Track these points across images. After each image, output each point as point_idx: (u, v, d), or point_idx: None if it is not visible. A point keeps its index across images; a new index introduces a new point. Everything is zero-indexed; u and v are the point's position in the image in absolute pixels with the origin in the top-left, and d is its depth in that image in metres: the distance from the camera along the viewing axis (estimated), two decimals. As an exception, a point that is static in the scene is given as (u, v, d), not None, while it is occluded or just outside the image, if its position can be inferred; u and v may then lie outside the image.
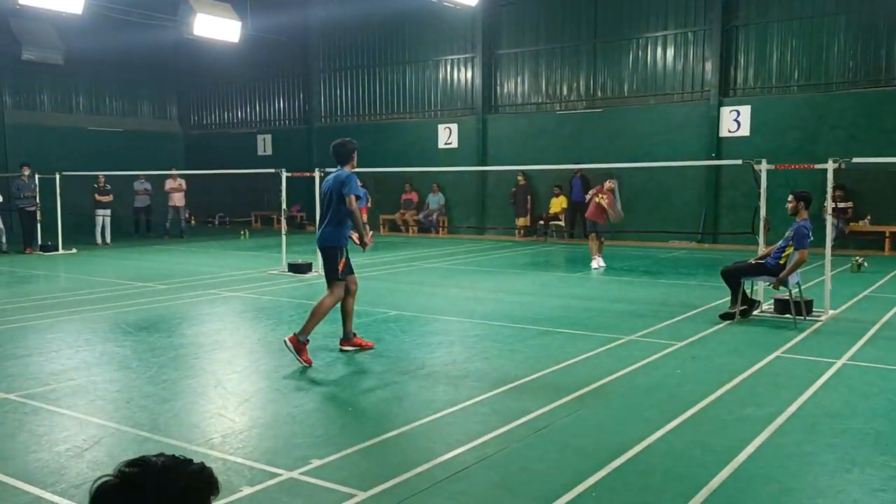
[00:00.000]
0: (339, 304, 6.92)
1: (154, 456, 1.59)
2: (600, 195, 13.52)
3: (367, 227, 7.13)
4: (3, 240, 16.56)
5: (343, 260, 6.81)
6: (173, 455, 1.61)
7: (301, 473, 4.07)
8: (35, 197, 16.76)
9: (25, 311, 9.24)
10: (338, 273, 6.77)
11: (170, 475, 1.55)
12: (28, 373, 6.28)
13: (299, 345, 6.52)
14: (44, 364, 6.59)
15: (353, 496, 3.77)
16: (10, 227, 17.23)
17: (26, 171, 16.73)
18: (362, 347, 7.06)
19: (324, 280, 7.02)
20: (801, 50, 17.34)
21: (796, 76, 17.52)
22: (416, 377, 6.15)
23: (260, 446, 4.62)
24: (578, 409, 5.20)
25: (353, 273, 7.06)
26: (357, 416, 5.08)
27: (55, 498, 3.78)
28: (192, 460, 1.61)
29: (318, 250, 7.13)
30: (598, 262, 13.50)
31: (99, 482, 1.53)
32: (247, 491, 3.84)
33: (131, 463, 1.56)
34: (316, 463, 4.21)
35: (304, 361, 6.45)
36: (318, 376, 6.14)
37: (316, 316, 6.69)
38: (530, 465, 4.20)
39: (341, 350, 6.99)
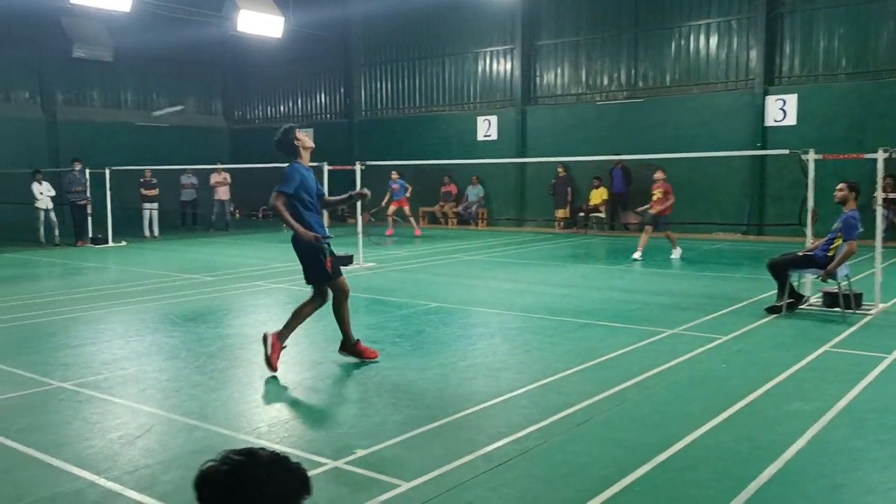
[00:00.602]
0: (318, 312, 6.27)
1: (258, 449, 1.63)
2: (658, 189, 13.39)
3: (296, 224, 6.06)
4: (56, 233, 17.07)
5: (328, 258, 6.13)
6: (274, 451, 1.65)
7: (345, 463, 4.14)
8: (86, 191, 17.23)
9: (78, 302, 9.53)
10: (326, 270, 6.10)
11: (273, 469, 1.58)
12: (81, 362, 6.49)
13: (358, 344, 6.28)
14: (96, 354, 6.80)
15: (396, 486, 3.82)
16: (62, 220, 17.75)
17: (77, 166, 17.21)
18: (366, 357, 6.34)
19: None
20: (849, 37, 16.85)
21: (843, 64, 17.03)
22: (457, 369, 6.18)
23: (305, 435, 4.71)
24: (620, 403, 5.17)
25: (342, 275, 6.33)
26: (399, 408, 5.14)
27: (109, 484, 3.91)
28: (289, 458, 1.64)
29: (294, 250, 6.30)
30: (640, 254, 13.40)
31: (206, 466, 1.58)
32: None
33: (239, 452, 1.60)
34: (360, 453, 4.27)
35: (370, 356, 6.27)
36: (360, 368, 6.21)
37: (296, 320, 6.17)
38: (572, 459, 4.20)
39: (341, 353, 6.39)
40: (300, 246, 6.15)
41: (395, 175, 19.24)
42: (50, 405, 5.30)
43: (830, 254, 8.12)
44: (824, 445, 4.36)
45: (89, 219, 17.24)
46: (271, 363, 5.97)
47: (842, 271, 8.06)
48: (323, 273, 6.14)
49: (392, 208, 19.14)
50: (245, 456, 1.61)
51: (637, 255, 13.35)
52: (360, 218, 13.32)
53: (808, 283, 8.88)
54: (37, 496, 3.78)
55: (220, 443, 4.41)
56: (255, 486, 1.57)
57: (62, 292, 10.36)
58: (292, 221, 6.00)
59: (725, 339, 7.11)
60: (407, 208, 19.32)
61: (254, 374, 6.13)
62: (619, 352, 6.62)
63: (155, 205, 19.35)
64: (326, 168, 13.29)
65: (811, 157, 8.81)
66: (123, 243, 17.03)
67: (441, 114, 23.16)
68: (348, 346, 6.36)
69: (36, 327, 8.02)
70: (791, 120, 17.34)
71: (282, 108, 27.63)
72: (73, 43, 22.77)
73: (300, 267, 6.28)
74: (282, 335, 6.12)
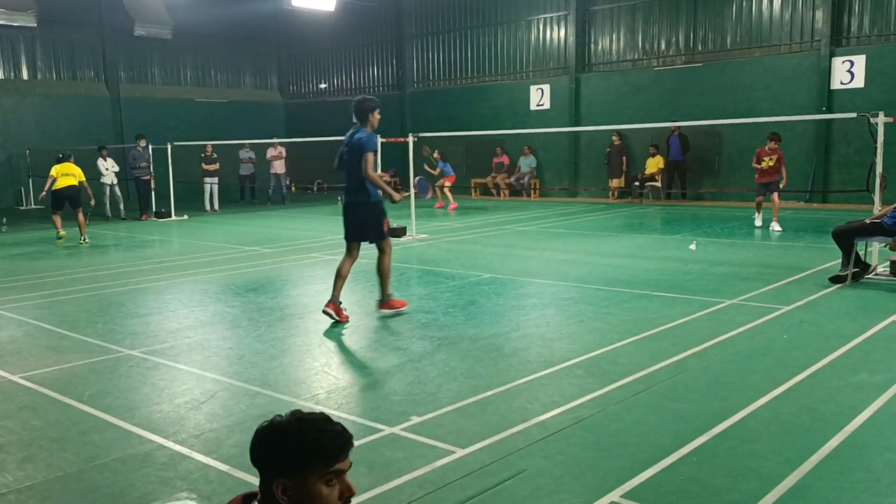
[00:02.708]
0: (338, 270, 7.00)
1: (307, 412, 1.83)
2: (769, 157, 12.97)
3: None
4: (122, 207, 17.67)
5: (386, 220, 7.07)
6: (323, 414, 1.83)
7: (402, 429, 4.22)
8: (150, 167, 17.74)
9: (144, 273, 9.88)
10: (383, 230, 7.00)
11: (308, 426, 1.77)
12: (149, 331, 6.74)
13: (392, 302, 7.11)
14: (162, 323, 7.05)
15: (452, 452, 3.88)
16: (127, 195, 18.34)
17: (142, 143, 17.70)
18: (397, 309, 7.15)
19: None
20: (927, -9, 15.96)
21: (920, 21, 16.16)
22: (511, 339, 6.20)
23: (362, 402, 4.81)
24: (678, 374, 5.12)
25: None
26: (454, 376, 5.19)
27: (176, 447, 4.08)
28: (335, 422, 1.82)
29: (347, 209, 7.05)
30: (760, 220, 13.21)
31: (260, 424, 1.82)
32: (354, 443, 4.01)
33: (290, 412, 1.82)
34: (415, 420, 4.35)
35: (400, 305, 7.14)
36: (414, 338, 6.29)
37: (383, 276, 7.05)
38: (628, 428, 4.18)
39: (380, 311, 7.14)
40: (367, 208, 6.89)
41: (437, 155, 19.27)
42: (120, 371, 5.54)
43: (901, 221, 7.79)
44: (892, 418, 4.24)
45: (153, 193, 17.76)
46: (401, 305, 7.18)
47: (912, 239, 7.74)
48: (382, 232, 6.97)
49: (447, 183, 19.15)
50: (289, 415, 1.80)
51: (775, 225, 12.99)
52: (412, 193, 13.38)
53: (874, 251, 8.57)
54: (110, 457, 3.97)
55: (282, 408, 4.54)
56: (287, 436, 1.76)
57: (129, 264, 10.74)
58: (387, 188, 6.85)
59: (787, 309, 6.93)
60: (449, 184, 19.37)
61: (312, 343, 6.27)
62: (677, 322, 6.53)
63: (215, 179, 19.78)
64: (379, 140, 13.34)
65: (881, 119, 8.43)
66: (185, 217, 17.52)
67: (493, 84, 22.94)
68: (384, 300, 7.14)
69: (105, 297, 8.35)
70: (859, 82, 16.59)
71: (335, 81, 27.78)
72: (134, 22, 23.31)
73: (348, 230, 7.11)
74: (385, 296, 7.14)
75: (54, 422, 4.54)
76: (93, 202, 14.45)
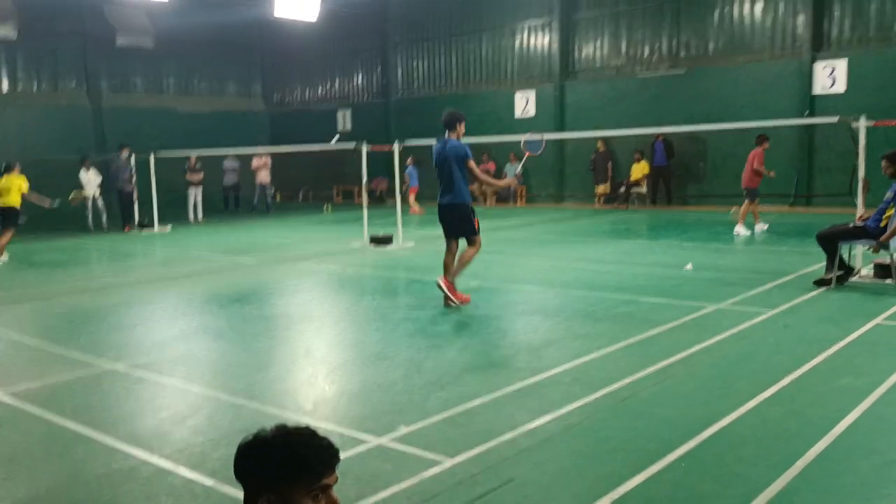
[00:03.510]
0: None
1: (292, 426, 1.79)
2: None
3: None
4: (104, 219, 17.51)
5: (476, 218, 7.74)
6: (309, 428, 1.79)
7: (390, 440, 4.19)
8: (132, 177, 17.59)
9: (127, 285, 9.79)
10: (475, 227, 7.67)
11: (293, 440, 1.74)
12: (132, 344, 6.67)
13: (455, 292, 7.53)
14: (146, 335, 6.98)
15: (440, 462, 3.85)
16: (109, 206, 18.17)
17: (125, 153, 17.55)
18: (462, 302, 7.57)
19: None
20: (905, -3, 16.17)
21: (898, 26, 16.37)
22: (499, 347, 6.19)
23: (349, 413, 4.78)
24: (665, 380, 5.12)
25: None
26: (441, 385, 5.17)
27: (161, 461, 4.03)
28: (321, 436, 1.79)
29: (445, 208, 7.72)
30: (761, 227, 13.24)
31: (244, 438, 1.78)
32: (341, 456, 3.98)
33: (275, 427, 1.78)
34: (403, 430, 4.32)
35: (462, 301, 7.53)
36: (401, 347, 6.26)
37: (463, 263, 7.67)
38: (616, 435, 4.18)
39: (438, 286, 7.58)
40: (462, 209, 7.66)
41: (409, 161, 19.26)
42: (103, 385, 5.47)
43: (883, 224, 7.86)
44: (877, 421, 4.26)
45: (136, 204, 17.62)
46: (463, 301, 7.55)
47: (895, 242, 7.81)
48: (474, 229, 7.70)
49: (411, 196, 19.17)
50: (274, 430, 1.76)
51: (760, 227, 13.12)
52: (398, 200, 13.38)
53: (858, 254, 8.64)
54: (93, 473, 3.91)
55: (268, 421, 4.48)
56: (274, 450, 1.72)
57: (112, 276, 10.64)
58: (493, 181, 8.69)
59: (772, 313, 6.97)
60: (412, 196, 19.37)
61: (298, 354, 6.23)
62: (663, 328, 6.55)
63: (199, 189, 19.65)
64: (365, 148, 13.34)
65: (862, 124, 8.52)
66: (169, 228, 17.39)
67: (478, 91, 23.00)
68: (448, 280, 7.59)
69: (87, 311, 8.26)
70: (840, 87, 16.77)
71: (319, 89, 27.74)
72: (116, 31, 23.18)
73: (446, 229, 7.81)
74: (452, 278, 7.60)
75: (36, 438, 4.47)
76: (51, 204, 13.40)
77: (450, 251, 7.74)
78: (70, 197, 12.23)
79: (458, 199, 7.63)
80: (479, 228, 7.75)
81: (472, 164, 7.60)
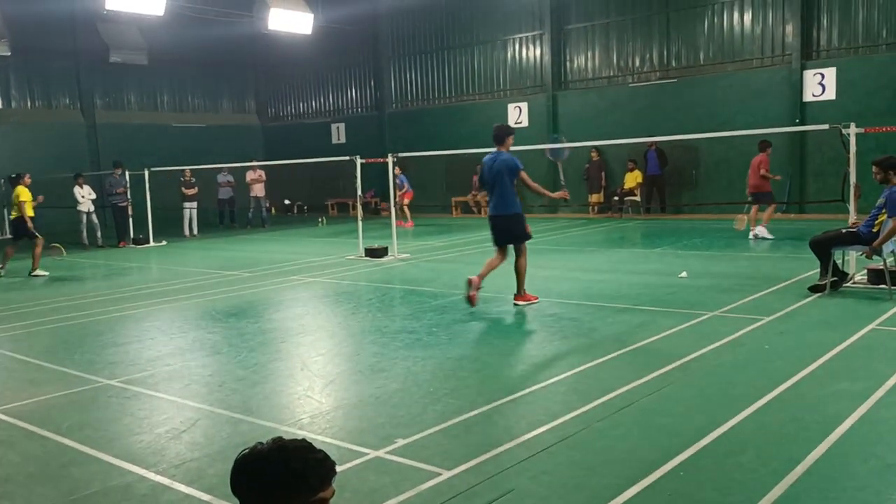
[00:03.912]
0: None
1: (288, 440, 1.78)
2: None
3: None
4: (98, 235, 17.47)
5: (527, 225, 8.20)
6: (306, 441, 1.79)
7: (387, 452, 4.17)
8: (126, 193, 17.58)
9: (122, 301, 9.75)
10: (527, 233, 8.14)
11: (290, 455, 1.73)
12: (128, 360, 6.64)
13: (527, 296, 8.13)
14: (141, 351, 6.95)
15: (438, 475, 3.84)
16: (104, 222, 18.16)
17: (118, 171, 17.58)
18: (529, 302, 8.19)
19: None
20: (890, 5, 16.32)
21: (884, 34, 16.52)
22: (495, 357, 6.18)
23: (346, 426, 4.76)
24: (662, 388, 5.12)
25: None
26: (438, 397, 5.16)
27: (157, 477, 4.00)
28: (318, 450, 1.79)
29: (496, 219, 8.17)
30: (764, 231, 13.24)
31: (240, 453, 1.77)
32: (337, 469, 3.96)
33: (271, 441, 1.78)
34: (401, 442, 4.30)
35: (532, 299, 8.14)
36: (397, 359, 6.25)
37: (519, 273, 8.09)
38: (613, 444, 4.17)
39: (515, 304, 8.14)
40: (514, 219, 8.08)
41: (397, 171, 19.33)
42: (99, 402, 5.44)
43: (875, 230, 7.90)
44: (874, 425, 4.26)
45: (130, 220, 17.60)
46: (534, 300, 8.18)
47: (887, 247, 7.84)
48: (525, 234, 8.14)
49: (405, 200, 19.24)
50: (270, 444, 1.75)
51: (759, 231, 13.17)
52: (393, 213, 13.40)
53: (852, 260, 8.67)
54: (89, 490, 3.89)
55: (264, 435, 4.46)
56: (272, 465, 1.71)
57: (107, 292, 10.61)
58: (546, 191, 8.57)
59: (768, 320, 6.98)
60: (406, 200, 19.40)
61: (294, 368, 6.21)
62: (659, 336, 6.55)
63: (194, 204, 19.65)
64: (359, 162, 13.36)
65: (852, 130, 8.57)
66: (164, 243, 17.36)
67: (471, 103, 23.09)
68: (519, 293, 8.16)
69: (83, 327, 8.23)
70: (830, 94, 16.90)
71: (313, 103, 27.81)
72: (109, 48, 23.24)
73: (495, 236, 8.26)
74: (520, 290, 8.18)
75: (32, 456, 4.44)
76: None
77: (500, 256, 8.22)
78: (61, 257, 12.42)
79: (508, 210, 8.07)
80: (531, 234, 8.26)
81: (524, 175, 8.04)
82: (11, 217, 12.67)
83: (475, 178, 22.31)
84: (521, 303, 8.16)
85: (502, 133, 8.13)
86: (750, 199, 13.46)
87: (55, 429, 4.83)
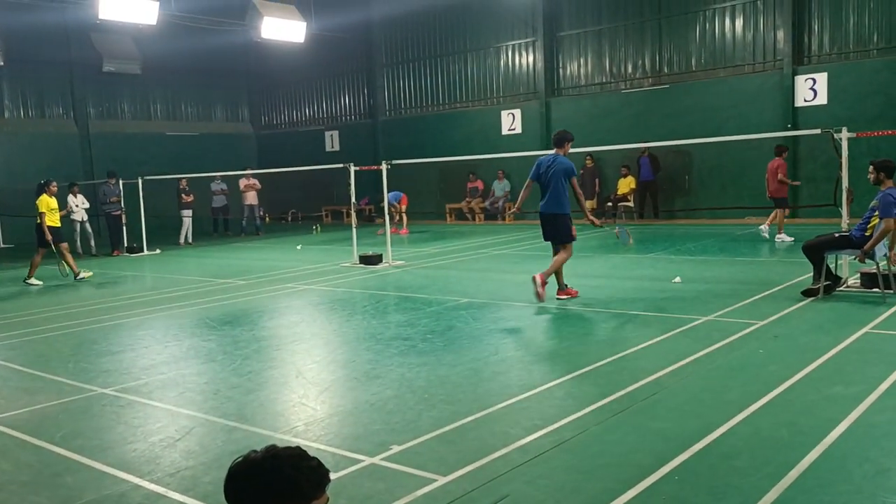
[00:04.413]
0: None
1: (282, 448, 1.78)
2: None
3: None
4: (92, 243, 17.42)
5: (573, 227, 8.67)
6: (299, 448, 1.79)
7: (382, 459, 4.17)
8: (120, 202, 17.55)
9: (117, 309, 9.73)
10: (572, 235, 8.58)
11: (283, 462, 1.73)
12: (122, 368, 6.62)
13: (567, 289, 8.66)
14: (136, 359, 6.93)
15: (433, 481, 3.83)
16: (98, 231, 18.12)
17: (112, 180, 17.55)
18: (571, 296, 8.66)
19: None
20: (880, 11, 16.48)
21: (875, 39, 16.66)
22: (490, 363, 6.18)
23: (341, 433, 4.75)
24: (656, 392, 5.13)
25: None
26: (433, 403, 5.15)
27: (152, 486, 3.99)
28: (311, 457, 1.79)
29: (545, 216, 8.63)
30: (784, 237, 13.31)
31: (234, 461, 1.77)
32: (331, 476, 3.95)
33: (264, 449, 1.78)
34: (396, 449, 4.30)
35: (572, 294, 8.66)
36: (392, 365, 6.25)
37: (556, 266, 8.55)
38: (609, 449, 4.17)
39: (557, 299, 8.58)
40: (561, 219, 8.57)
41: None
42: (93, 411, 5.42)
43: (868, 233, 7.94)
44: (869, 429, 4.27)
45: (124, 228, 17.56)
46: (573, 295, 8.68)
47: (879, 251, 7.88)
48: (568, 235, 8.61)
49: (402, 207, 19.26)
50: (264, 452, 1.75)
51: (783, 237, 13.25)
52: (387, 220, 13.40)
53: (844, 264, 8.71)
54: (84, 499, 3.87)
55: (259, 443, 4.45)
56: (265, 473, 1.71)
57: (101, 301, 10.58)
58: (584, 205, 8.96)
59: (762, 324, 7.01)
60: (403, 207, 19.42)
61: (289, 375, 6.19)
62: (654, 340, 6.56)
63: (190, 212, 19.62)
64: (353, 169, 13.37)
65: (844, 135, 8.63)
66: (158, 251, 17.32)
67: (464, 110, 23.15)
68: (561, 287, 8.71)
69: (77, 335, 8.20)
70: (822, 99, 17.00)
71: (307, 111, 27.84)
72: (102, 58, 23.24)
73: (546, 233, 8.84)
74: (560, 285, 8.71)
75: (25, 465, 4.42)
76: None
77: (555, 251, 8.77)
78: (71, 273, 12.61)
79: (558, 210, 8.53)
80: (575, 237, 8.72)
81: (574, 181, 8.60)
82: (37, 222, 12.82)
83: (468, 185, 22.38)
84: (563, 297, 8.62)
85: (562, 138, 8.70)
86: (773, 203, 13.56)
87: (49, 438, 4.81)
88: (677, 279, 9.63)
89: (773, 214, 13.67)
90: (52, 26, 22.17)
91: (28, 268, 12.68)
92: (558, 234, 8.67)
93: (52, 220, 12.86)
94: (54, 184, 13.21)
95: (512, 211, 9.97)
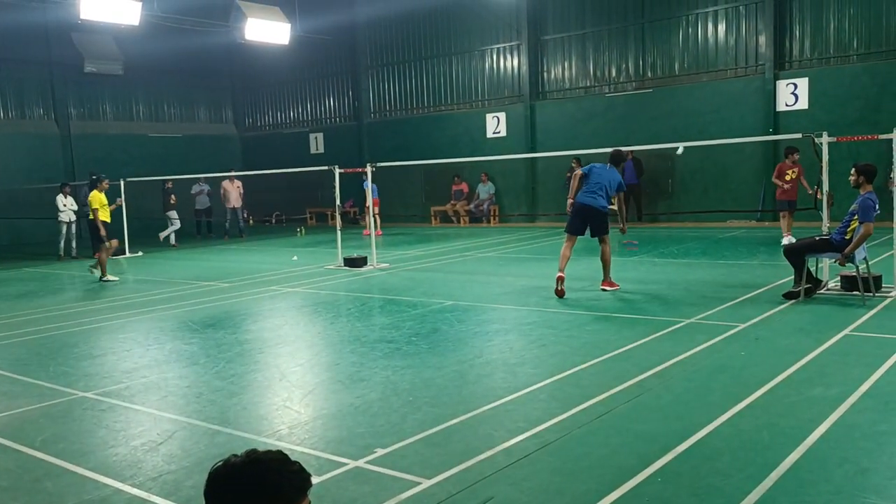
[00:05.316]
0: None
1: (263, 452, 1.75)
2: (792, 171, 13.19)
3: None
4: (74, 246, 17.24)
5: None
6: (281, 453, 1.76)
7: (366, 462, 4.16)
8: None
9: (98, 312, 9.63)
10: (608, 230, 9.39)
11: (265, 467, 1.71)
12: (103, 372, 6.56)
13: (612, 283, 9.37)
14: (117, 363, 6.87)
15: (418, 483, 3.83)
16: (80, 233, 17.92)
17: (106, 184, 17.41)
18: (614, 288, 9.34)
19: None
20: (860, 17, 16.69)
21: (855, 45, 16.87)
22: (474, 366, 6.19)
23: (325, 436, 4.73)
24: (639, 395, 5.16)
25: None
26: (418, 406, 5.15)
27: (133, 490, 3.95)
28: (292, 461, 1.76)
29: (588, 211, 9.32)
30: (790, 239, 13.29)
31: (213, 466, 1.74)
32: (315, 480, 3.93)
33: (245, 453, 1.75)
34: (380, 452, 4.29)
35: (615, 286, 9.35)
36: (377, 368, 6.24)
37: (607, 263, 9.42)
38: (593, 451, 4.19)
39: (602, 290, 9.31)
40: (606, 214, 9.43)
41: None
42: (74, 415, 5.36)
43: (848, 237, 8.04)
44: (849, 430, 4.32)
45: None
46: (615, 287, 9.42)
47: (859, 254, 7.98)
48: (607, 229, 9.42)
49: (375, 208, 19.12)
50: (246, 457, 1.73)
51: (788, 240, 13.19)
52: (372, 222, 13.37)
53: (825, 267, 8.81)
54: (64, 505, 3.83)
55: (242, 446, 4.42)
56: (246, 478, 1.69)
57: (82, 304, 10.47)
58: (623, 209, 10.11)
59: (743, 326, 7.07)
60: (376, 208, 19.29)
61: (272, 378, 6.16)
62: (637, 343, 6.60)
63: (176, 213, 19.40)
64: (338, 171, 13.34)
65: (824, 139, 8.72)
66: (140, 254, 17.17)
67: (449, 113, 23.17)
68: (606, 280, 9.45)
69: (57, 339, 8.11)
70: (803, 104, 17.20)
71: (291, 113, 27.74)
72: (84, 58, 23.01)
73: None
74: (606, 276, 9.48)
75: (5, 470, 4.36)
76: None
77: (568, 246, 9.40)
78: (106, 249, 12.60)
79: (605, 207, 9.39)
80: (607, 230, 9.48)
81: (622, 195, 9.65)
82: (89, 218, 12.92)
83: (453, 188, 22.39)
84: (608, 288, 9.29)
85: (619, 158, 9.72)
86: (787, 206, 13.54)
87: (29, 442, 4.75)
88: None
89: (783, 219, 13.56)
90: (33, 26, 21.91)
91: (98, 267, 12.72)
92: (602, 227, 9.44)
93: (104, 215, 13.01)
94: (106, 180, 13.35)
95: (570, 201, 9.87)
